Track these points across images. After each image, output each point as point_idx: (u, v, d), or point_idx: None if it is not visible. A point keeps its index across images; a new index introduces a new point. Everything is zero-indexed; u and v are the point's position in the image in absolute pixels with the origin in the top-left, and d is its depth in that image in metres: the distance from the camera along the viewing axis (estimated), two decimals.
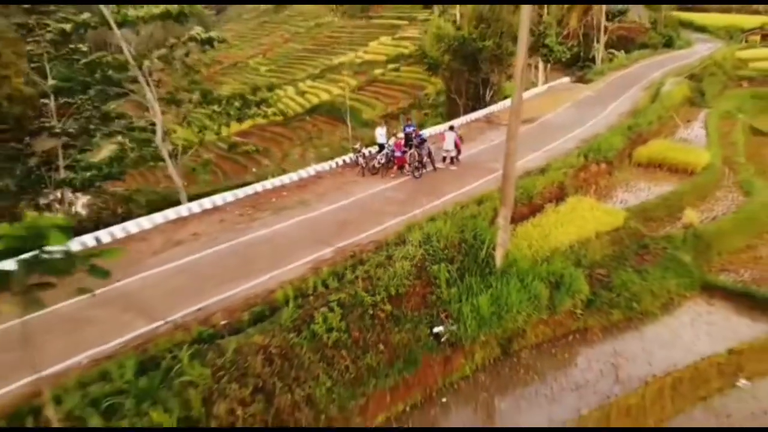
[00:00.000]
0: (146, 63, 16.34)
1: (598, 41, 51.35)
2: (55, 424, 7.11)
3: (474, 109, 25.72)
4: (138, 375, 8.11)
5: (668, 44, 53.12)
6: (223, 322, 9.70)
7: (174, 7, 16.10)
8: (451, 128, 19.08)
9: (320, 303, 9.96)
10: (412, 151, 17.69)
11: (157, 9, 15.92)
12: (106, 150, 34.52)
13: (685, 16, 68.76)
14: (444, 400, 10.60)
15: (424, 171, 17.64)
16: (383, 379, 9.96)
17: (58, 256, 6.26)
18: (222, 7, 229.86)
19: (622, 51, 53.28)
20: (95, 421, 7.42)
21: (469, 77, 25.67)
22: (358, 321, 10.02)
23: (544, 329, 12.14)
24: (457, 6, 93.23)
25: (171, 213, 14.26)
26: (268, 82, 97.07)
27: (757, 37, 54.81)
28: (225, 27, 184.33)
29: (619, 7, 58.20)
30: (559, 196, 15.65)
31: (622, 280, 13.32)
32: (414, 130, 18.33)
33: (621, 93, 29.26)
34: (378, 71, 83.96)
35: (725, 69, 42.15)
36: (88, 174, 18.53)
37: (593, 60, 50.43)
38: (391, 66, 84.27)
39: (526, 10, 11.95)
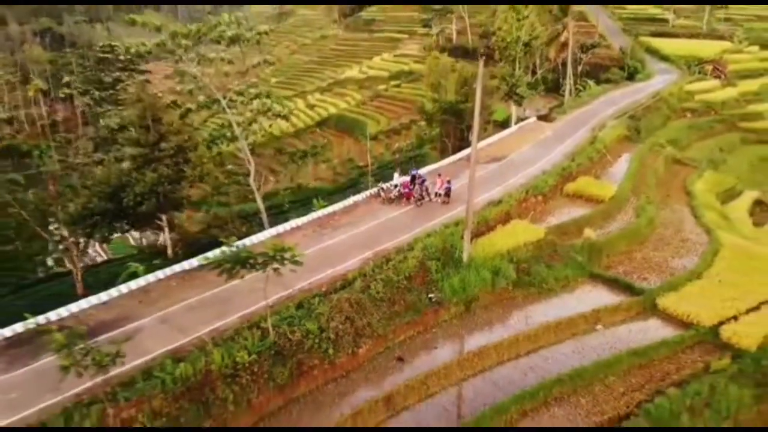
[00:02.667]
0: (251, 138, 26.52)
1: (571, 75, 61.59)
2: (270, 330, 17.38)
3: (460, 147, 36.01)
4: (296, 310, 18.51)
5: (632, 75, 63.29)
6: (324, 289, 20.07)
7: (268, 101, 26.27)
8: (439, 175, 29.23)
9: (371, 279, 20.34)
10: (415, 188, 28.05)
11: (260, 104, 26.06)
12: None
13: (655, 43, 78.90)
14: (434, 330, 21.00)
15: (423, 202, 27.97)
16: (403, 318, 20.35)
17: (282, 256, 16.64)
18: (226, 10, 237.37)
19: (593, 80, 63.66)
20: (285, 329, 17.69)
21: (456, 124, 36.03)
22: (390, 289, 20.39)
23: (489, 297, 22.54)
24: (453, 23, 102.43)
25: (273, 231, 24.64)
26: (278, 94, 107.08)
27: (710, 68, 65.13)
28: None
29: (592, 41, 68.62)
30: (506, 220, 26.08)
31: (537, 270, 23.72)
32: (417, 174, 28.68)
33: (572, 133, 39.70)
34: (381, 87, 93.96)
35: (670, 103, 52.60)
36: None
37: (571, 87, 60.43)
38: (393, 82, 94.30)
39: (477, 103, 22.03)
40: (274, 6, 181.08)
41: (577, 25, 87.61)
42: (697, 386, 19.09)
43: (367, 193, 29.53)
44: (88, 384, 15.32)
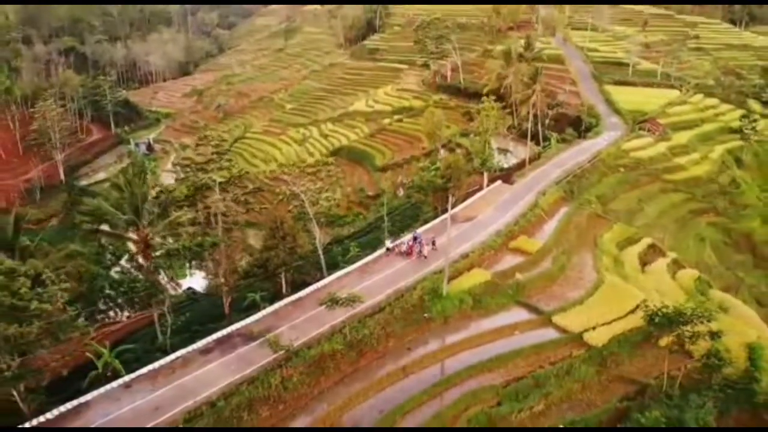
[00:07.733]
0: (321, 220, 46.45)
1: (539, 129, 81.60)
2: (348, 333, 37.80)
3: (445, 210, 56.16)
4: (357, 323, 38.97)
5: (588, 129, 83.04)
6: (369, 312, 40.48)
7: (329, 194, 46.30)
8: (433, 241, 49.41)
9: (393, 307, 40.76)
10: (417, 246, 48.32)
11: (325, 198, 46.06)
12: None
13: (614, 93, 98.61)
14: (427, 334, 41.49)
15: (422, 255, 48.23)
16: (410, 327, 40.90)
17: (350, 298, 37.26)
18: (232, 22, 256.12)
19: (557, 132, 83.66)
20: (354, 333, 38.16)
21: (442, 194, 56.27)
22: (404, 312, 40.85)
23: (457, 315, 43.06)
24: (448, 62, 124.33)
25: (334, 276, 44.88)
26: (294, 121, 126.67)
27: (647, 125, 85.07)
28: (239, 48, 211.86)
29: (556, 101, 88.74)
30: (470, 268, 46.57)
31: (485, 299, 44.24)
32: (418, 236, 48.97)
33: (525, 195, 60.01)
34: (386, 121, 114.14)
35: (607, 162, 72.91)
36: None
37: (540, 138, 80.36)
38: (396, 117, 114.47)
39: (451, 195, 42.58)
40: (280, 20, 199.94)
41: (552, 69, 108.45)
42: (561, 364, 39.29)
43: (385, 248, 49.83)
44: (269, 359, 35.76)
